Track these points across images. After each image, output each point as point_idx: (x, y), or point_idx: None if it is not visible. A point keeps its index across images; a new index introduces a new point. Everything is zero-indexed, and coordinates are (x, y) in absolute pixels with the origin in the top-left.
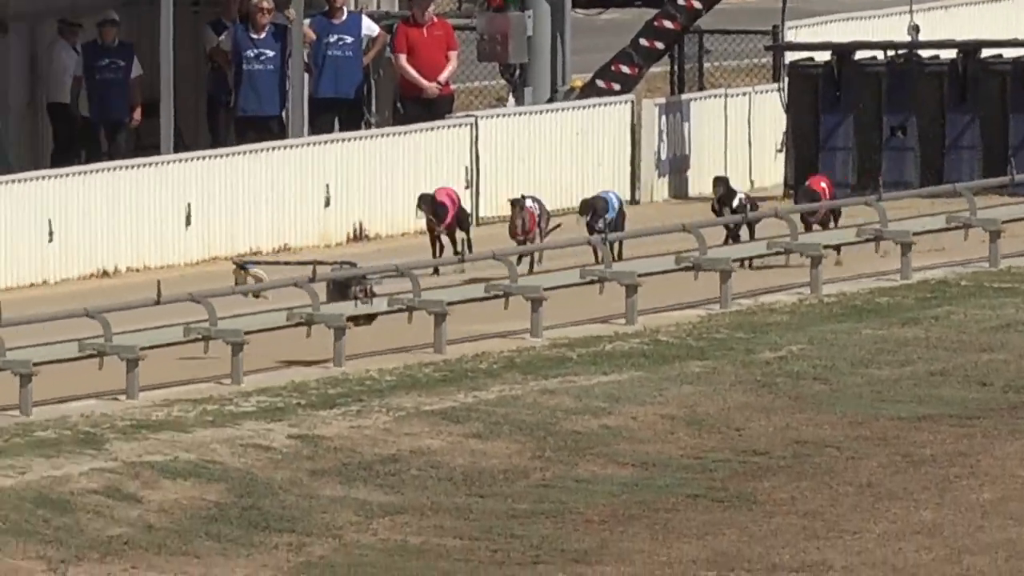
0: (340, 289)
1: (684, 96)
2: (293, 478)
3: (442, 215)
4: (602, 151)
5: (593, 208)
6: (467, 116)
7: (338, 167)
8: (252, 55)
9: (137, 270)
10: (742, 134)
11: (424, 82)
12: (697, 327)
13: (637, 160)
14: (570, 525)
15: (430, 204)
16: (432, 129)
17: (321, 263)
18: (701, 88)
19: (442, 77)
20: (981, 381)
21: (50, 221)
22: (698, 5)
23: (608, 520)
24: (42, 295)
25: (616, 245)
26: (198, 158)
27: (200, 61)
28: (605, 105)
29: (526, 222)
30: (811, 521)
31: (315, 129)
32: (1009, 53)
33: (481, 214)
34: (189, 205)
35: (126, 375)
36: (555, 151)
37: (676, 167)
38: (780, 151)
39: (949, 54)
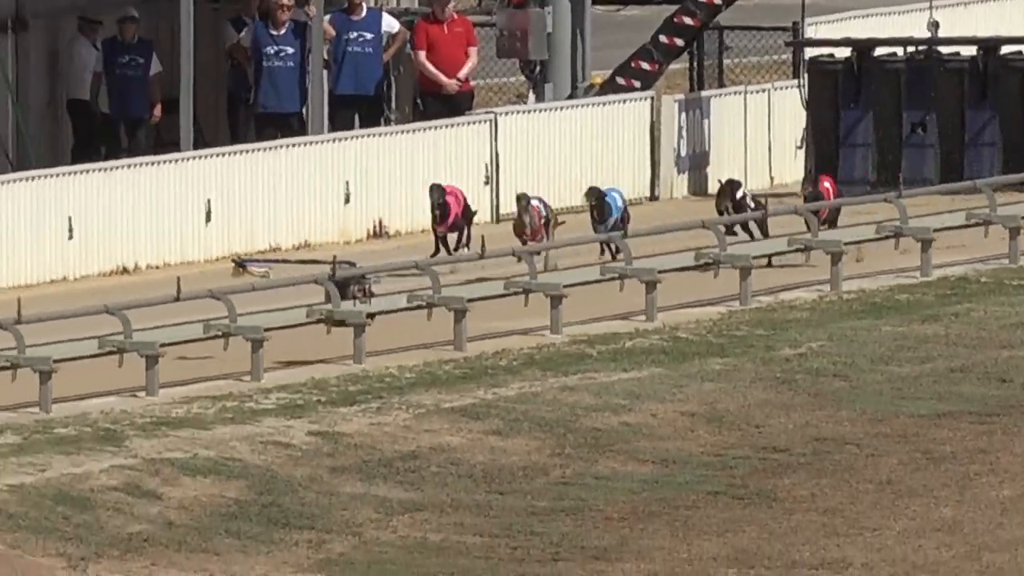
0: (339, 289)
1: (704, 93)
2: (313, 475)
3: (445, 215)
4: (622, 148)
5: (598, 197)
6: (487, 113)
7: (358, 164)
8: (272, 52)
9: (157, 267)
10: (762, 131)
11: (444, 79)
12: (717, 324)
13: (657, 157)
14: (590, 522)
15: (439, 195)
16: (452, 126)
17: (320, 262)
18: (721, 85)
19: (462, 74)
20: (1001, 378)
21: (70, 218)
22: (718, 1)
23: (628, 517)
24: (62, 292)
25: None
26: (218, 155)
27: (220, 58)
28: (625, 102)
29: (534, 220)
30: (831, 518)
31: (335, 126)
32: None
33: (501, 211)
34: (209, 202)
35: (146, 372)
36: (575, 148)
37: (696, 163)
38: (800, 148)
39: (969, 51)
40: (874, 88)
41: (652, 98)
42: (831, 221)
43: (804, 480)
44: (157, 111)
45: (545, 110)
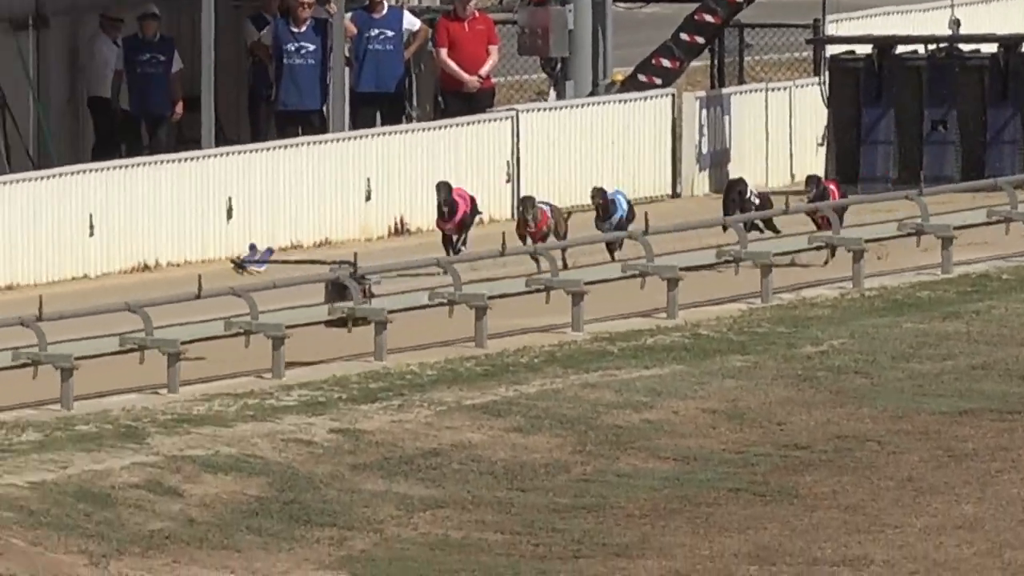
0: (338, 289)
1: (725, 90)
2: (334, 472)
3: (452, 212)
4: (643, 145)
5: (602, 196)
6: (508, 110)
7: (379, 161)
8: (293, 49)
9: (178, 264)
10: (783, 128)
11: (465, 76)
12: (738, 321)
13: (678, 154)
14: (611, 519)
15: (446, 193)
16: (473, 123)
17: (320, 262)
18: (742, 82)
19: (483, 71)
20: (1022, 375)
21: (91, 215)
22: None
23: (649, 514)
24: (83, 289)
25: (619, 244)
26: (239, 152)
27: (241, 55)
28: (646, 99)
29: (537, 218)
30: (852, 515)
31: (356, 123)
32: None
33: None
34: (230, 199)
35: (167, 369)
36: (596, 145)
37: (717, 161)
38: (821, 145)
39: (990, 48)
40: (895, 85)
41: (673, 95)
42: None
43: (825, 477)
44: (178, 109)
45: (566, 107)
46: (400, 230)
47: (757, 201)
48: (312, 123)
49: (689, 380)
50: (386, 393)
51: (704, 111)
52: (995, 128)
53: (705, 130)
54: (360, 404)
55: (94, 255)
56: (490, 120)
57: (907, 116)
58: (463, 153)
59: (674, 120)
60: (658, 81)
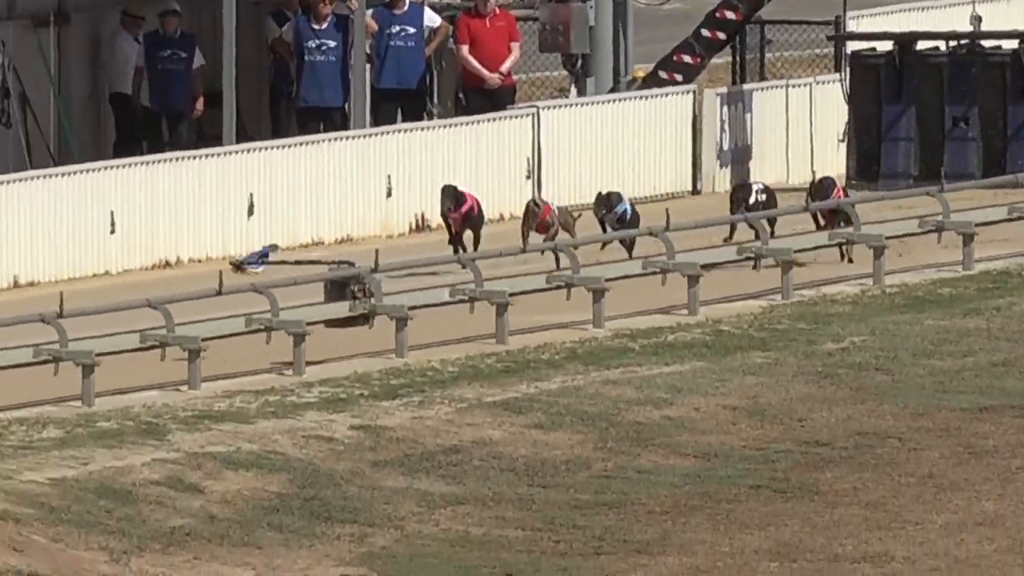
0: (338, 289)
1: (746, 86)
2: (355, 469)
3: (459, 203)
4: (664, 142)
5: (607, 203)
6: (529, 107)
7: (400, 158)
8: (314, 46)
9: (199, 261)
10: (804, 124)
11: (486, 73)
12: (759, 318)
13: (699, 150)
14: (632, 516)
15: (452, 195)
16: (494, 120)
17: (318, 262)
18: (763, 78)
19: (504, 68)
20: None
21: (112, 212)
22: None
23: (670, 511)
24: (104, 286)
25: (630, 243)
26: (260, 149)
27: (262, 52)
28: (667, 95)
29: (541, 209)
30: (873, 512)
31: (377, 120)
32: None
33: None
34: (251, 196)
35: (188, 366)
36: (617, 142)
37: (738, 157)
38: (842, 141)
39: (1011, 44)
40: (916, 82)
41: (694, 92)
42: (834, 222)
43: (846, 474)
44: (199, 105)
45: (587, 104)
46: (421, 227)
47: (764, 197)
48: (333, 120)
49: (710, 377)
50: (407, 390)
51: (725, 108)
52: (1016, 124)
53: (726, 127)
54: (381, 401)
55: (115, 252)
56: (511, 117)
57: (928, 113)
58: (484, 150)
59: (695, 117)
60: (679, 78)
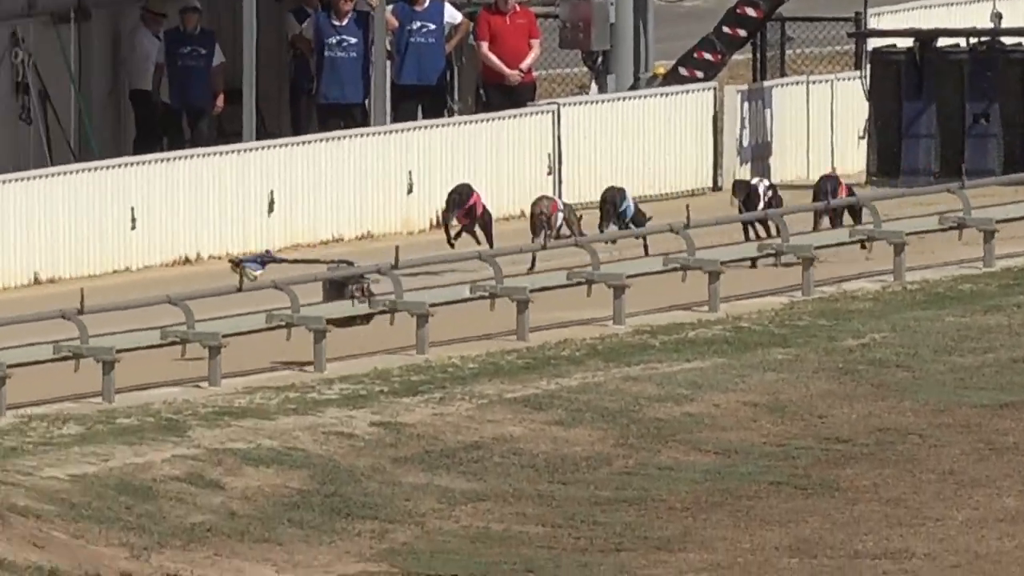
0: (337, 288)
1: (766, 83)
2: (375, 465)
3: (464, 199)
4: (684, 138)
5: (613, 202)
6: (549, 103)
7: (420, 154)
8: (334, 42)
9: (219, 257)
10: (824, 121)
11: (506, 69)
12: (779, 314)
13: (719, 147)
14: (653, 512)
15: (457, 202)
16: (514, 116)
17: (318, 262)
18: (783, 75)
19: (524, 65)
20: None
21: (132, 208)
22: None
23: (691, 507)
24: (125, 282)
25: (644, 240)
26: (280, 145)
27: (282, 48)
28: (688, 92)
29: (548, 207)
30: (893, 508)
31: (398, 116)
32: None
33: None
34: (272, 192)
35: (208, 362)
36: (637, 138)
37: (758, 154)
38: (862, 138)
39: None
40: (937, 79)
41: (715, 89)
42: (835, 220)
43: (867, 470)
44: (220, 102)
45: (608, 101)
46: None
47: (771, 193)
48: (354, 116)
49: (730, 373)
50: (427, 386)
51: (746, 104)
52: None
53: (747, 123)
54: (401, 397)
55: (135, 248)
56: (531, 113)
57: (949, 109)
58: (504, 146)
59: (716, 113)
60: (700, 74)
